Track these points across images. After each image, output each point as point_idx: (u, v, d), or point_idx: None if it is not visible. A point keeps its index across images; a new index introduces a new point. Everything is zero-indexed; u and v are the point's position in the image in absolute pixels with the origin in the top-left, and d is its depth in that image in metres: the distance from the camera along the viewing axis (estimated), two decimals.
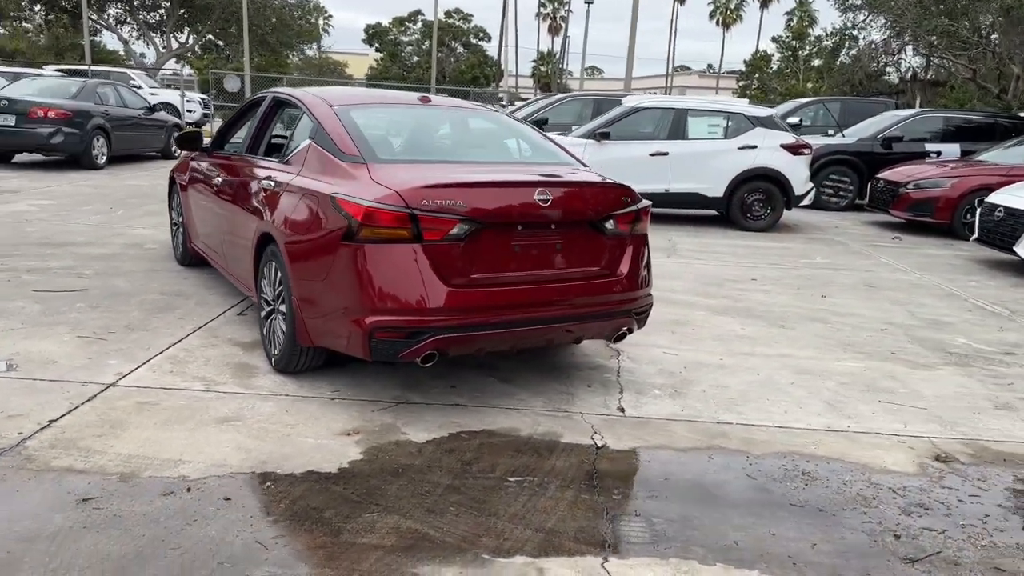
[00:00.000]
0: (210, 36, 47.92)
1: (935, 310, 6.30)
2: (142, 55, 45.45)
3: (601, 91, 22.35)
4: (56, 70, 23.61)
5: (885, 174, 11.30)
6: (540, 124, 12.34)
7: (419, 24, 61.34)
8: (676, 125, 10.28)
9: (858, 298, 6.60)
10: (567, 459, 3.32)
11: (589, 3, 49.39)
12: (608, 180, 4.06)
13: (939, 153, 12.56)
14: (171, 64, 44.83)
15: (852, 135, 13.40)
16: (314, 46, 68.26)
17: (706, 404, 4.02)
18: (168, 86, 28.29)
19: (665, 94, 41.09)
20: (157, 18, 45.50)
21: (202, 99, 26.54)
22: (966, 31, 21.33)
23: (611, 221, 3.87)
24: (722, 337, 5.23)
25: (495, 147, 4.51)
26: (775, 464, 3.38)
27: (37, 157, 13.62)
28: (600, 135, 10.08)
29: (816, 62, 55.09)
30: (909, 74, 34.62)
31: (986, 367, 4.88)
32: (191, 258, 6.16)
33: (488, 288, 3.55)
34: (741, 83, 65.51)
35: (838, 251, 9.05)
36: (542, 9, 69.28)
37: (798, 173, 10.24)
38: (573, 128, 11.37)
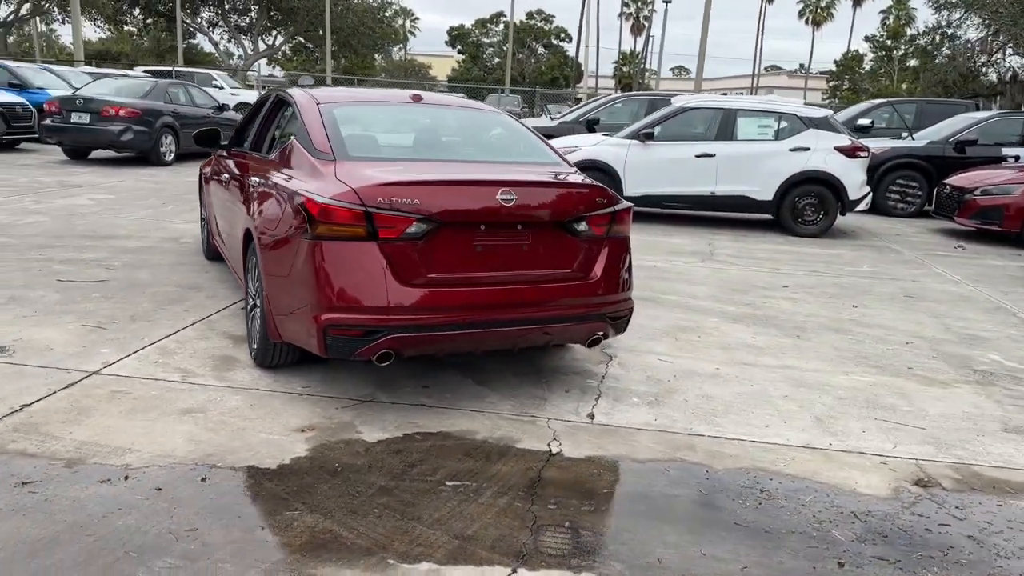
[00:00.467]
0: (300, 38, 49.57)
1: (974, 324, 5.91)
2: (239, 57, 47.33)
3: (664, 91, 21.85)
4: (143, 71, 24.80)
5: (952, 179, 10.68)
6: (591, 125, 12.19)
7: (500, 26, 61.80)
8: (725, 125, 9.98)
9: (893, 309, 6.25)
10: (514, 465, 3.24)
11: (668, 2, 48.54)
12: (584, 181, 3.95)
13: (1017, 158, 11.78)
14: (262, 65, 46.50)
15: (923, 138, 12.73)
16: (400, 48, 69.60)
17: (683, 414, 3.86)
18: (251, 87, 29.34)
19: (752, 95, 39.95)
20: (247, 21, 47.33)
21: None
22: None
23: (583, 223, 3.75)
24: (727, 346, 5.02)
25: (475, 146, 4.44)
26: (733, 480, 3.21)
27: (111, 153, 14.28)
28: (644, 135, 9.88)
29: (912, 62, 52.78)
30: (1009, 75, 32.74)
31: (1009, 387, 4.54)
32: (214, 252, 6.32)
33: (448, 288, 3.50)
34: (832, 84, 63.40)
35: (889, 259, 8.60)
36: (625, 9, 68.75)
37: (853, 177, 9.79)
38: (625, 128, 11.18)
